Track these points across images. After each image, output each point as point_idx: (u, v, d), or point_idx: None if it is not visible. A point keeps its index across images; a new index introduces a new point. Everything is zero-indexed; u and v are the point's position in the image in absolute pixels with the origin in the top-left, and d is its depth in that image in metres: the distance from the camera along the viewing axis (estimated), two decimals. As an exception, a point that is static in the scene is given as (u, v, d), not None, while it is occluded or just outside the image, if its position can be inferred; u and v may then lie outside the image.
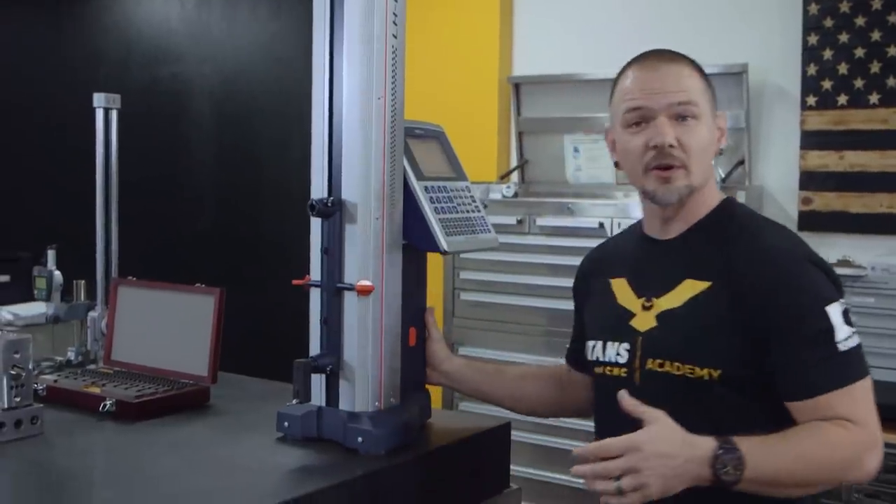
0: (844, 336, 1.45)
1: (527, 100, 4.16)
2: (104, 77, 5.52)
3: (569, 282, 3.37)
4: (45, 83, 4.97)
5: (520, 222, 3.63)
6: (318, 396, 1.67)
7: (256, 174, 5.10)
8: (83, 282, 2.38)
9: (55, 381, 1.98)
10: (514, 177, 4.17)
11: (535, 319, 3.59)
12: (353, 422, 1.61)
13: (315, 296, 1.68)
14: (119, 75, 5.50)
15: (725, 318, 1.49)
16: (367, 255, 1.62)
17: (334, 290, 1.64)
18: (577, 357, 1.81)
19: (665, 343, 1.54)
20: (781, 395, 1.47)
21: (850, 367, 1.45)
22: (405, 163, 1.70)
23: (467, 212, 1.79)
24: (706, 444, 1.34)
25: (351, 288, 1.62)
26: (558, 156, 4.02)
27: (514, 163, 4.21)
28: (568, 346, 1.90)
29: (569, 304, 3.31)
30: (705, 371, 1.48)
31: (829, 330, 1.45)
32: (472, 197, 1.83)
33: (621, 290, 1.66)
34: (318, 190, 1.66)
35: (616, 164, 1.67)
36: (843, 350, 1.45)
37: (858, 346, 1.47)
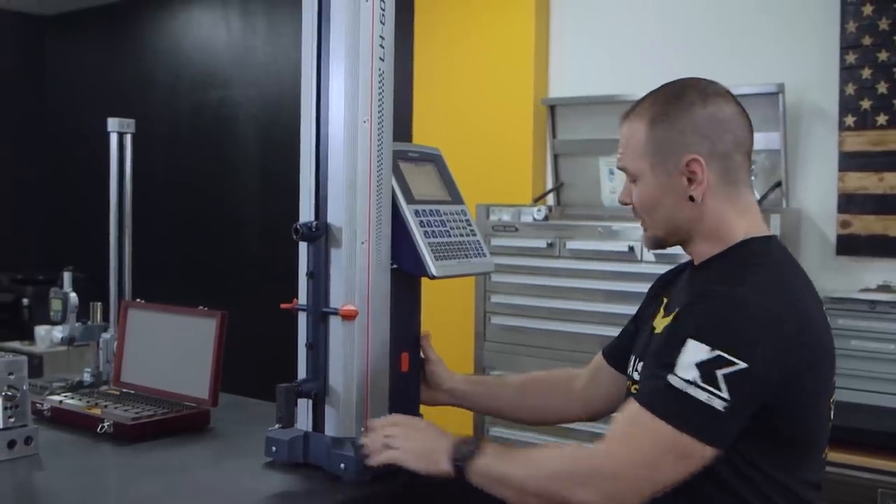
0: (686, 377, 1.30)
1: (562, 122, 4.12)
2: (155, 101, 5.65)
3: (600, 306, 3.37)
4: (98, 108, 5.08)
5: (550, 245, 3.58)
6: (304, 421, 1.66)
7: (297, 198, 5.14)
8: (100, 304, 2.41)
9: (60, 402, 2.00)
10: (550, 199, 4.12)
11: (567, 344, 3.52)
12: (337, 447, 1.60)
13: (302, 320, 1.67)
14: (169, 100, 5.62)
15: None
16: (352, 280, 1.60)
17: (319, 314, 1.63)
18: (615, 352, 1.79)
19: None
20: None
21: (661, 399, 1.32)
22: (395, 186, 1.69)
23: (461, 235, 1.76)
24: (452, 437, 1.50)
25: (335, 312, 1.60)
26: (594, 178, 3.96)
27: (549, 185, 4.17)
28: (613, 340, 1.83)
29: (601, 329, 3.30)
30: None
31: (673, 360, 1.32)
32: (467, 220, 1.81)
33: (661, 306, 1.66)
34: (306, 214, 1.66)
35: None
36: (670, 384, 1.31)
37: (690, 400, 1.29)
